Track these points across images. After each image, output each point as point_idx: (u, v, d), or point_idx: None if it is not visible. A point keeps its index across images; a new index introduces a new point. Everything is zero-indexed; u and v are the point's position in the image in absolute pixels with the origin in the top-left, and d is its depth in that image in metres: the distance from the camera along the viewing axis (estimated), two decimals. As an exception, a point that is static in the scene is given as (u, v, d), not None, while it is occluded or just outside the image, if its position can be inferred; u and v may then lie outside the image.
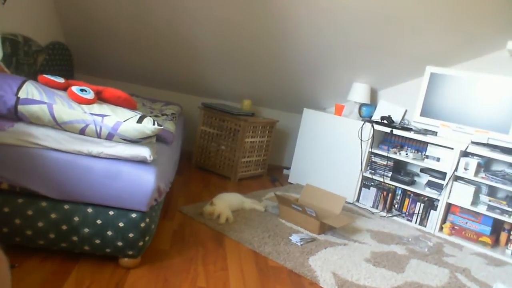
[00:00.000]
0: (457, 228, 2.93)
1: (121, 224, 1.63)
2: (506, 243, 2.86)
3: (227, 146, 3.57)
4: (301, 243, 2.31)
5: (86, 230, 1.62)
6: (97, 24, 3.26)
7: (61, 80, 1.77)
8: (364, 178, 3.37)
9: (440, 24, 2.75)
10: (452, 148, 2.94)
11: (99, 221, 1.62)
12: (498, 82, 2.96)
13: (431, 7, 2.59)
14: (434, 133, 3.22)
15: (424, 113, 3.28)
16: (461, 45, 3.03)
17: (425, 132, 3.23)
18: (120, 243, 1.64)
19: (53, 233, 1.60)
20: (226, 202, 2.52)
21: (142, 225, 1.65)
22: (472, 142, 2.97)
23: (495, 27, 2.75)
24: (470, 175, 2.85)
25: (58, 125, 1.59)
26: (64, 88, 1.75)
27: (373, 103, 3.79)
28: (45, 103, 1.57)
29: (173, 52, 3.50)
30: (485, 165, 2.98)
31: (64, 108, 1.58)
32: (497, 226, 2.90)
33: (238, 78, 3.80)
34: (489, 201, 2.81)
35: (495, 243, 2.90)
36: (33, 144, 1.59)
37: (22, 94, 1.56)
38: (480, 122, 3.02)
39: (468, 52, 3.14)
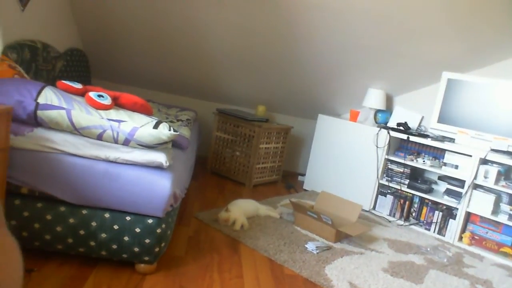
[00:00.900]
0: (477, 238, 2.86)
1: (137, 230, 1.63)
2: (528, 254, 2.77)
3: (241, 152, 3.56)
4: (317, 251, 2.28)
5: (104, 235, 1.62)
6: (114, 31, 3.30)
7: (79, 86, 1.79)
8: (381, 186, 3.32)
9: (457, 29, 2.71)
10: (471, 156, 2.88)
11: (116, 227, 1.63)
12: (519, 88, 2.89)
13: (448, 12, 2.55)
14: (452, 140, 3.16)
15: (441, 119, 3.22)
16: (479, 51, 2.98)
17: (443, 139, 3.17)
18: (136, 249, 1.64)
19: (71, 237, 1.61)
20: (241, 209, 2.50)
21: (158, 231, 1.65)
22: (492, 150, 2.90)
23: (516, 32, 2.70)
24: (490, 183, 2.78)
25: (76, 130, 1.60)
26: (82, 93, 1.77)
27: (388, 109, 3.75)
28: (63, 108, 1.58)
29: (188, 58, 3.52)
30: (506, 173, 2.91)
31: (82, 114, 1.59)
32: (518, 236, 2.82)
33: (253, 83, 3.80)
34: (511, 210, 2.73)
35: (517, 253, 2.81)
36: (52, 149, 1.61)
37: (41, 100, 1.58)
38: (499, 129, 2.95)
39: (485, 57, 3.08)
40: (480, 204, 2.82)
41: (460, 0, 2.42)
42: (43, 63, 2.64)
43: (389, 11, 2.62)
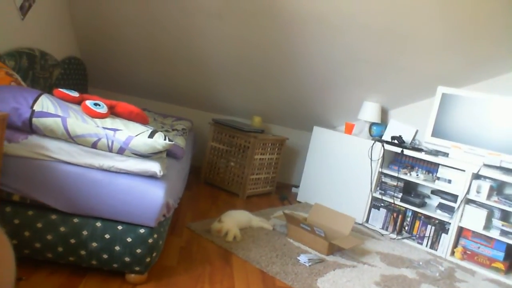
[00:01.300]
0: (469, 252, 2.86)
1: (129, 239, 1.63)
2: (520, 270, 2.78)
3: (236, 163, 3.57)
4: (309, 263, 2.27)
5: (94, 244, 1.61)
6: (112, 40, 3.32)
7: (75, 94, 1.80)
8: (374, 199, 3.33)
9: (453, 44, 2.76)
10: (464, 170, 2.90)
11: (107, 236, 1.62)
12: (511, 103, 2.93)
13: (444, 27, 2.60)
14: (446, 154, 3.19)
15: (435, 133, 3.25)
16: (474, 66, 3.02)
17: (436, 153, 3.20)
18: (127, 259, 1.63)
19: (61, 246, 1.60)
20: (234, 220, 2.50)
21: (150, 241, 1.64)
22: (485, 165, 2.92)
23: (509, 48, 2.74)
24: (482, 198, 2.80)
25: (71, 138, 1.61)
26: (79, 102, 1.78)
27: (383, 123, 3.78)
28: (59, 116, 1.59)
29: (184, 68, 3.55)
30: (498, 188, 2.93)
31: (78, 122, 1.60)
32: (510, 252, 2.82)
33: (249, 95, 3.82)
34: (502, 225, 2.74)
35: (509, 269, 2.82)
36: (46, 157, 1.61)
37: (37, 107, 1.59)
38: (492, 144, 2.98)
39: (481, 72, 3.13)
40: (472, 219, 2.83)
41: (456, 15, 2.47)
42: (40, 71, 2.65)
43: (386, 26, 2.66)
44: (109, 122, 1.67)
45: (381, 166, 3.28)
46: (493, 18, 2.45)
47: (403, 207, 3.19)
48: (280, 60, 3.24)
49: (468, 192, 2.86)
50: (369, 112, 3.56)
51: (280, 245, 2.48)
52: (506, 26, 2.50)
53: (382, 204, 3.29)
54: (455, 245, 2.94)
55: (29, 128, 1.59)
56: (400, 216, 3.20)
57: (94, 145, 1.63)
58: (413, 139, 3.58)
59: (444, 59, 2.95)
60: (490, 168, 2.86)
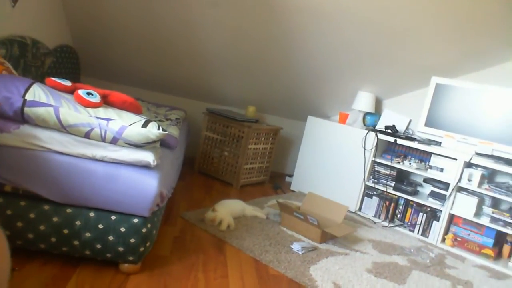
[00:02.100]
0: (460, 239, 2.91)
1: (122, 229, 1.63)
2: (509, 256, 2.83)
3: (230, 152, 3.57)
4: (302, 251, 2.30)
5: (88, 234, 1.62)
6: (105, 28, 3.28)
7: (68, 83, 1.78)
8: (367, 187, 3.36)
9: (447, 35, 2.76)
10: (456, 159, 2.93)
11: (100, 226, 1.63)
12: (504, 94, 2.95)
13: (438, 18, 2.59)
14: (438, 144, 3.21)
15: (428, 123, 3.27)
16: (467, 57, 3.03)
17: (429, 142, 3.22)
18: (121, 248, 1.64)
19: (54, 237, 1.61)
20: (227, 209, 2.52)
21: (144, 230, 1.65)
22: (476, 153, 2.95)
23: (502, 39, 2.75)
24: (473, 186, 2.84)
25: (63, 128, 1.60)
26: (71, 91, 1.76)
27: (377, 112, 3.79)
28: (51, 105, 1.57)
29: (178, 57, 3.52)
30: (489, 176, 2.97)
31: (70, 111, 1.59)
32: (500, 239, 2.88)
33: (243, 84, 3.81)
34: (493, 213, 2.79)
35: (498, 255, 2.87)
36: (38, 147, 1.60)
37: (29, 96, 1.57)
38: (484, 133, 3.01)
39: (474, 63, 3.14)
40: (463, 206, 2.87)
41: (450, 9, 2.46)
42: (32, 60, 2.62)
43: (381, 18, 2.65)
44: (102, 111, 1.66)
45: (375, 155, 3.30)
46: (486, 11, 2.45)
47: (396, 195, 3.22)
48: (275, 50, 3.22)
49: (459, 180, 2.89)
50: (363, 102, 3.57)
51: (273, 234, 2.50)
52: (499, 19, 2.50)
53: (375, 193, 3.32)
54: (446, 232, 2.99)
55: (21, 117, 1.57)
56: (392, 204, 3.23)
57: (87, 135, 1.62)
58: (407, 128, 3.60)
59: (438, 50, 2.96)
60: (481, 157, 2.89)
